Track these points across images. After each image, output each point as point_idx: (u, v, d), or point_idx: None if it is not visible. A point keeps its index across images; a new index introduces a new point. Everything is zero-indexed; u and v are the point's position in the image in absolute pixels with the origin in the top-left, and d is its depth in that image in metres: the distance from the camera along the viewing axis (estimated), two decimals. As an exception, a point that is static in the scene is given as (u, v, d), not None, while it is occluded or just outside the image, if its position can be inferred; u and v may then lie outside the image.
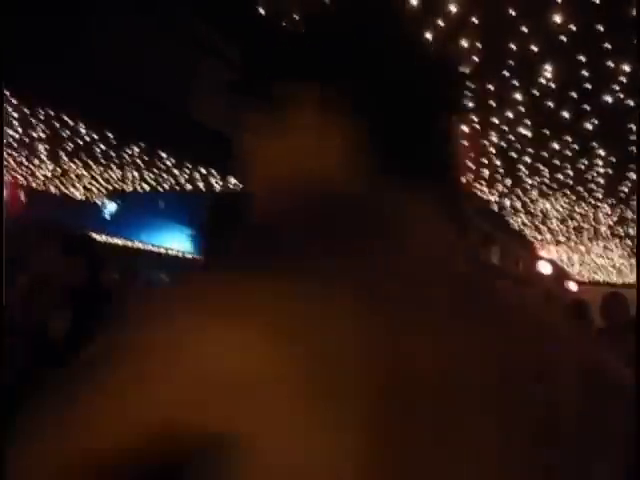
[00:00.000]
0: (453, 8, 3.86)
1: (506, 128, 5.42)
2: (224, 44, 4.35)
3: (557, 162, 6.22)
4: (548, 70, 4.36)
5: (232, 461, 0.40)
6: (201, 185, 7.77)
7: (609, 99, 4.62)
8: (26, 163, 7.54)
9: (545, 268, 11.41)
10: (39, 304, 2.46)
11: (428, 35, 3.91)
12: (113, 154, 6.72)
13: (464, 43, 4.16)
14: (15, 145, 6.58)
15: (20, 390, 2.30)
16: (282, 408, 0.40)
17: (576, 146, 5.74)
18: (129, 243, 11.30)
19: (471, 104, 4.94)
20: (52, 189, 8.86)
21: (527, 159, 6.29)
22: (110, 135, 6.04)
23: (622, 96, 4.57)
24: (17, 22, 3.39)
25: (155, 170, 7.36)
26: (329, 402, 0.41)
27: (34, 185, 8.68)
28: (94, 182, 8.43)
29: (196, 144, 5.66)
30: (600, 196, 7.26)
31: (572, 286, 12.43)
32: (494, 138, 5.70)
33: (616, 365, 0.56)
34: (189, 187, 7.96)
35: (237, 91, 0.61)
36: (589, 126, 5.14)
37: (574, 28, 3.87)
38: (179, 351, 0.41)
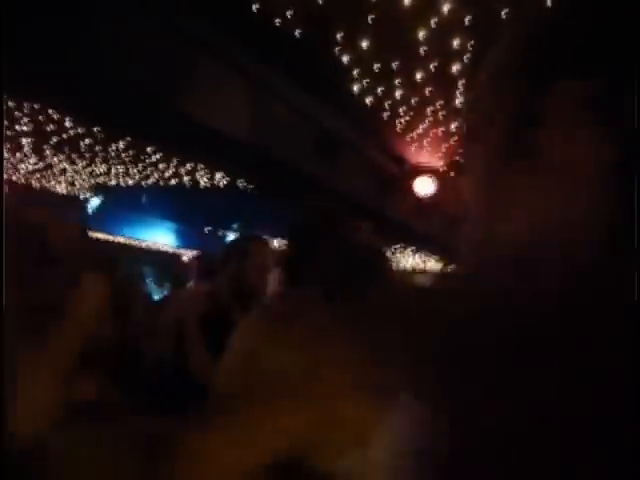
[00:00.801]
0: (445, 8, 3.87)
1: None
2: (221, 40, 4.32)
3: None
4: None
5: None
6: (186, 180, 7.71)
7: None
8: (8, 157, 7.40)
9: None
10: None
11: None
12: (98, 148, 6.62)
13: (455, 42, 4.18)
14: (-2, 139, 6.46)
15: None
16: None
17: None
18: (111, 238, 11.18)
19: (462, 102, 4.98)
20: (34, 183, 8.72)
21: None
22: (96, 130, 5.95)
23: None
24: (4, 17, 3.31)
25: (140, 165, 7.28)
26: None
27: (14, 179, 8.53)
28: (77, 176, 8.31)
29: (184, 139, 5.61)
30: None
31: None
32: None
33: None
34: (174, 182, 7.89)
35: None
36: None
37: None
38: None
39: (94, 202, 9.40)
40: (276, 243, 12.80)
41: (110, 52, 3.82)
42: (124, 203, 9.79)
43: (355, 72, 4.63)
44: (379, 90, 4.91)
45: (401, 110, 5.26)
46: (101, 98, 4.44)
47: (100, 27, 3.71)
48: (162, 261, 11.08)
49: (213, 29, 4.32)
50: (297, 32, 4.08)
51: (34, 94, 4.90)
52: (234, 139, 5.00)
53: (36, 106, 5.41)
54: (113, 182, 8.54)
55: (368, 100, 5.06)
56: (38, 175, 8.48)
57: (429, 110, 5.21)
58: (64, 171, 8.09)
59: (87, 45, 3.66)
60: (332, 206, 1.77)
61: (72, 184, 8.82)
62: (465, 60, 4.28)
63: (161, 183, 8.11)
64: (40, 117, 5.69)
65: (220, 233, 11.34)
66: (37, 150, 7.03)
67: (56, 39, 3.49)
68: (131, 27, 3.92)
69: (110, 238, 11.47)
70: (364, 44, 4.23)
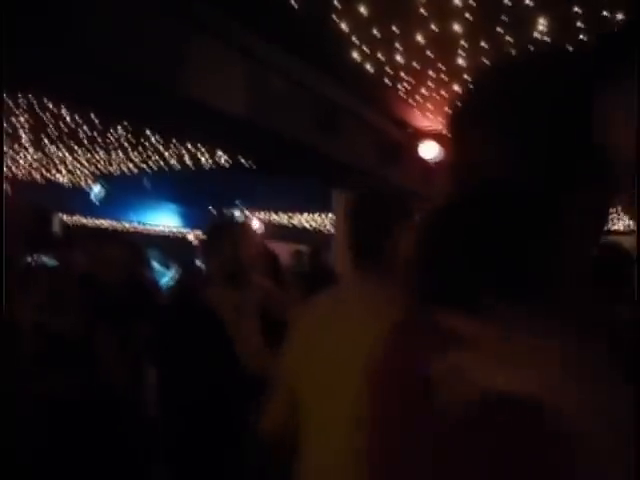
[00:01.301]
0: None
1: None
2: (214, 14, 4.22)
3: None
4: (542, 24, 4.29)
5: None
6: (187, 160, 7.65)
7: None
8: (8, 151, 7.34)
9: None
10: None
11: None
12: (98, 136, 6.55)
13: (456, 1, 4.06)
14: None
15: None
16: None
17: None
18: (118, 225, 11.16)
19: (464, 63, 4.88)
20: (36, 176, 8.66)
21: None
22: (94, 117, 5.87)
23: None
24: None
25: (141, 150, 7.21)
26: None
27: (18, 173, 8.48)
28: (79, 166, 8.25)
29: (181, 119, 5.53)
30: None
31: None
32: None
33: None
34: (177, 165, 7.83)
35: None
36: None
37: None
38: None
39: (96, 190, 9.34)
40: (279, 217, 12.76)
41: (106, 34, 3.74)
42: (127, 189, 9.74)
43: (353, 38, 4.53)
44: (378, 55, 4.82)
45: (402, 74, 5.16)
46: (97, 81, 4.36)
47: (95, 9, 3.62)
48: (168, 243, 11.09)
49: (205, 3, 4.22)
50: (292, 1, 3.98)
51: (30, 82, 4.80)
52: (232, 116, 4.92)
53: (32, 97, 5.33)
54: (114, 168, 8.48)
55: (367, 66, 4.96)
56: (40, 168, 8.43)
57: (430, 73, 5.11)
58: (64, 161, 8.03)
59: (82, 28, 3.58)
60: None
61: (74, 175, 8.76)
62: (466, 18, 4.18)
63: (163, 165, 8.05)
64: (36, 108, 5.62)
65: (225, 211, 11.31)
66: (35, 141, 6.96)
67: (50, 23, 3.40)
68: (125, 6, 3.83)
69: (114, 224, 11.46)
70: (362, 9, 4.12)
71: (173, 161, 7.78)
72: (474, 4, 4.04)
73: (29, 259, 5.30)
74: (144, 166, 8.20)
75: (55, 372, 2.26)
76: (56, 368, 2.27)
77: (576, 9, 4.08)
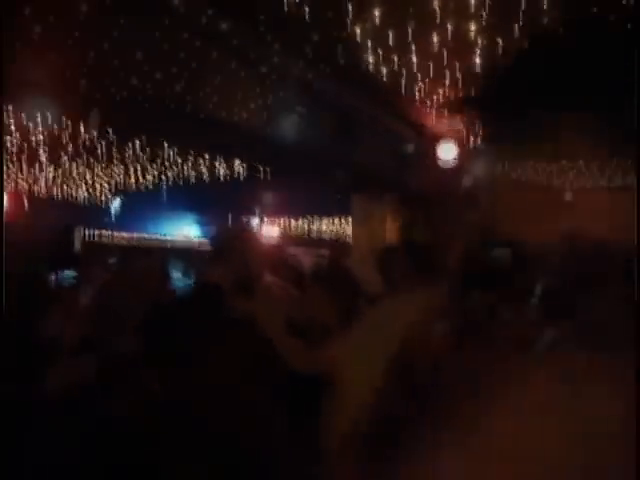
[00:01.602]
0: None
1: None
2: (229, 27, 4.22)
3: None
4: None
5: None
6: (206, 172, 7.67)
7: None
8: (27, 169, 7.43)
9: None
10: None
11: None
12: (115, 151, 6.60)
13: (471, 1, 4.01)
14: (14, 151, 6.46)
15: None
16: None
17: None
18: (137, 237, 11.24)
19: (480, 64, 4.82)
20: (55, 192, 8.75)
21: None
22: (111, 132, 5.91)
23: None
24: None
25: (158, 162, 7.25)
26: None
27: (37, 190, 8.57)
28: (97, 181, 8.32)
29: (199, 132, 5.55)
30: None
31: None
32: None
33: None
34: (194, 175, 7.85)
35: None
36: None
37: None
38: None
39: (115, 203, 9.40)
40: (299, 223, 12.78)
41: (123, 50, 3.75)
42: (145, 201, 9.80)
43: (368, 43, 4.49)
44: (394, 59, 4.77)
45: (418, 77, 5.11)
46: (114, 100, 4.38)
47: (112, 25, 3.63)
48: (186, 253, 11.13)
49: (219, 16, 4.21)
50: (306, 10, 3.96)
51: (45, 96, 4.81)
52: (249, 125, 4.93)
53: (49, 115, 5.37)
54: (132, 182, 8.53)
55: (383, 70, 4.92)
56: (59, 184, 8.51)
57: (447, 74, 5.06)
58: (83, 178, 8.10)
59: (99, 42, 3.59)
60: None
61: (92, 189, 8.85)
62: (482, 17, 4.12)
63: (180, 176, 8.08)
64: (54, 126, 5.66)
65: (244, 220, 11.34)
66: (54, 160, 7.03)
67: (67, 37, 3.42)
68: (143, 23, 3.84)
69: (134, 236, 11.54)
70: (376, 13, 4.09)
71: (190, 172, 7.81)
72: (490, 2, 3.98)
73: (54, 275, 5.32)
74: (162, 178, 8.24)
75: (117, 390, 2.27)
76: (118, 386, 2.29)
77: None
